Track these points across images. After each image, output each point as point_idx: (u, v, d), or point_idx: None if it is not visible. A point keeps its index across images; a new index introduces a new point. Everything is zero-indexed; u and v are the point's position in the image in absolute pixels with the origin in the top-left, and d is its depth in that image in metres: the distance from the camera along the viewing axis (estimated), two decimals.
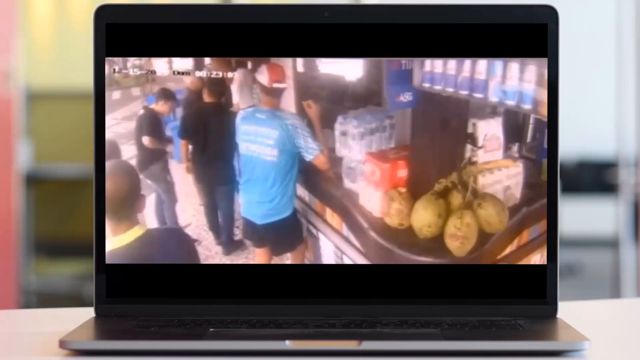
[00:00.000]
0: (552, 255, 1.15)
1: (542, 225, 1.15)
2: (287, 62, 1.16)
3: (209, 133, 1.18)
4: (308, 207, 1.17)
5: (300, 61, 1.16)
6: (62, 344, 1.01)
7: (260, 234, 1.17)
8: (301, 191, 1.17)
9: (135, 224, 1.17)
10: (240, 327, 1.08)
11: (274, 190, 1.17)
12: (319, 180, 1.17)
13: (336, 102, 1.16)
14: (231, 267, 1.16)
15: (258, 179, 1.17)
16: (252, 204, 1.18)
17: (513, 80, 1.15)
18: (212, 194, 1.18)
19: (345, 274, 1.15)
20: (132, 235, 1.16)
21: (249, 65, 1.17)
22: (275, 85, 1.16)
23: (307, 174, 1.17)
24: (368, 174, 1.16)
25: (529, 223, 1.15)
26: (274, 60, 1.16)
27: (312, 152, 1.17)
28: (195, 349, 1.01)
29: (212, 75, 1.17)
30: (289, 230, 1.18)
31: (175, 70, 1.17)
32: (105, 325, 1.10)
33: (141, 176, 1.17)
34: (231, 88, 1.17)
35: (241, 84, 1.17)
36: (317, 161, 1.17)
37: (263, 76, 1.17)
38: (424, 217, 1.16)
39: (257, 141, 1.17)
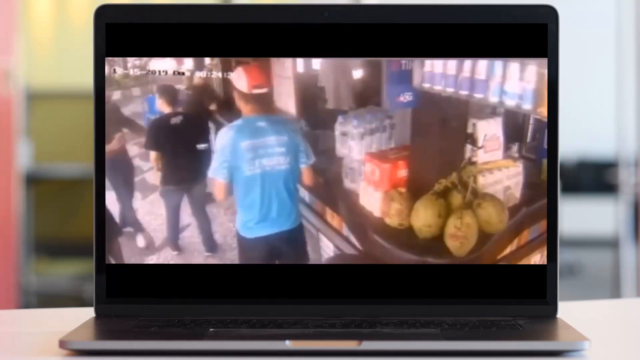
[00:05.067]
0: (552, 255, 1.15)
1: (542, 225, 1.15)
2: (286, 63, 1.16)
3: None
4: (309, 207, 1.17)
5: (300, 61, 1.16)
6: (62, 344, 1.01)
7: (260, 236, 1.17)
8: (301, 192, 1.17)
9: None
10: (240, 327, 1.08)
11: (274, 197, 1.17)
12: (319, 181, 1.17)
13: (336, 102, 1.16)
14: (231, 267, 1.16)
15: (257, 194, 1.17)
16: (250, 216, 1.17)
17: (513, 80, 1.15)
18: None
19: (345, 274, 1.15)
20: None
21: (246, 65, 1.16)
22: (255, 90, 1.15)
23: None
24: (368, 174, 1.16)
25: (529, 223, 1.15)
26: (274, 60, 1.16)
27: (304, 161, 1.16)
28: (195, 349, 1.01)
29: (212, 76, 1.16)
30: (289, 231, 1.17)
31: (175, 70, 1.17)
32: (105, 325, 1.10)
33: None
34: (230, 89, 1.17)
35: (241, 86, 1.17)
36: (303, 172, 1.16)
37: (241, 80, 1.16)
38: (424, 217, 1.15)
39: (266, 154, 1.16)
